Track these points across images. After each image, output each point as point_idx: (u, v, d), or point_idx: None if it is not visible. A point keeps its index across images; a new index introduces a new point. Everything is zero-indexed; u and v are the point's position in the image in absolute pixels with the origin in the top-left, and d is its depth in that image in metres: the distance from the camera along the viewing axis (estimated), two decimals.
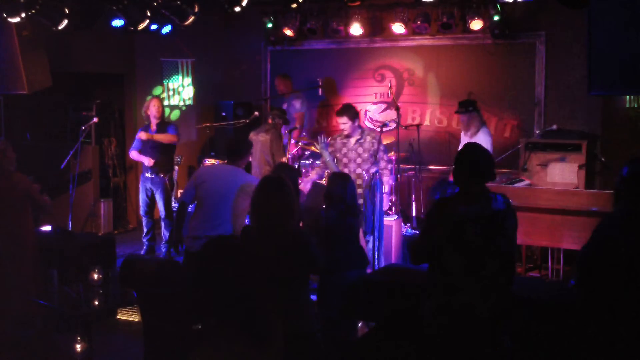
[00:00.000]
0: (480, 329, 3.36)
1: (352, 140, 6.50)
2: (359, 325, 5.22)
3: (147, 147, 7.70)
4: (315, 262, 3.61)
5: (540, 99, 8.35)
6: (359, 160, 6.45)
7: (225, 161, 5.67)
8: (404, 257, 7.10)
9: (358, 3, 8.09)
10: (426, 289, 3.54)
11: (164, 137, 7.68)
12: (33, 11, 7.19)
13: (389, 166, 6.64)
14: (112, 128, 9.44)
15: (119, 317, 5.80)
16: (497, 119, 8.54)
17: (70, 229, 7.62)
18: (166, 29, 8.03)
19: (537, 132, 8.06)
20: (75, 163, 7.84)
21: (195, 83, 9.77)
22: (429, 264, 3.53)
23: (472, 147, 3.70)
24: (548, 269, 6.72)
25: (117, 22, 7.49)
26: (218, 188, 5.25)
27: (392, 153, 7.94)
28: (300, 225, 4.69)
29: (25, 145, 8.15)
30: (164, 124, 7.84)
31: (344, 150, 6.51)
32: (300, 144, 8.06)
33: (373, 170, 6.48)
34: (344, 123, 6.45)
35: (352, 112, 6.48)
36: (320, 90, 9.01)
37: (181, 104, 9.71)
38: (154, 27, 7.84)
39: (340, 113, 6.52)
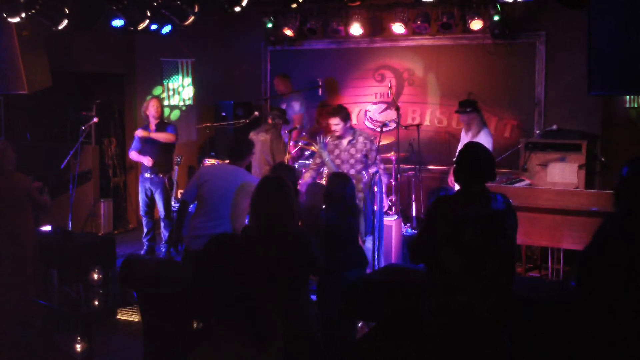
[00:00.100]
0: (480, 329, 3.36)
1: (345, 141, 6.47)
2: (359, 325, 5.22)
3: (147, 148, 7.70)
4: (315, 262, 3.62)
5: (540, 99, 8.35)
6: (352, 161, 6.43)
7: (227, 161, 5.71)
8: (404, 257, 7.11)
9: (358, 3, 8.09)
10: (426, 288, 3.54)
11: (162, 136, 7.68)
12: (33, 11, 7.19)
13: (382, 165, 6.62)
14: (112, 128, 9.44)
15: (119, 317, 5.80)
16: (497, 119, 8.54)
17: (70, 229, 7.62)
18: (166, 29, 8.03)
19: (537, 132, 8.06)
20: (75, 163, 7.84)
21: (195, 83, 9.77)
22: (428, 263, 3.53)
23: (474, 146, 3.69)
24: (548, 269, 6.72)
25: (117, 22, 7.49)
26: (220, 188, 5.29)
27: (392, 153, 7.95)
28: (300, 224, 4.69)
29: (25, 145, 8.16)
30: (163, 125, 7.84)
31: (337, 151, 6.49)
32: (300, 144, 8.06)
33: (373, 170, 6.48)
34: (336, 124, 6.42)
35: (344, 113, 6.46)
36: (320, 90, 9.01)
37: (181, 104, 9.71)
38: (154, 27, 7.84)
39: (332, 114, 6.49)
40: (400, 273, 4.69)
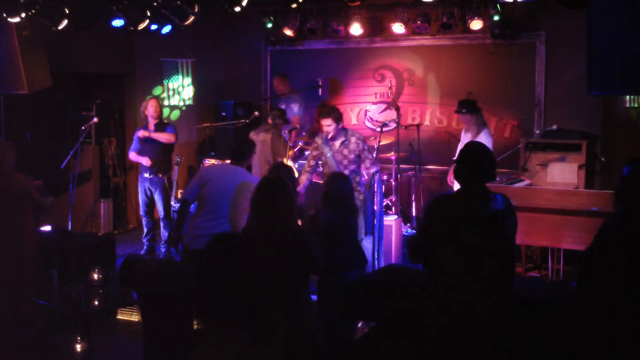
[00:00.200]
0: (480, 329, 3.36)
1: (337, 142, 6.45)
2: (359, 325, 5.22)
3: (146, 148, 7.71)
4: (315, 262, 3.62)
5: (540, 99, 8.35)
6: (345, 162, 6.41)
7: (229, 161, 5.72)
8: (404, 257, 7.11)
9: (358, 3, 8.09)
10: (425, 287, 3.54)
11: (162, 136, 7.69)
12: (33, 11, 7.19)
13: (372, 164, 6.60)
14: (112, 128, 9.44)
15: (119, 317, 5.80)
16: (497, 119, 8.54)
17: (70, 229, 7.62)
18: (166, 29, 8.03)
19: (537, 132, 8.06)
20: (75, 163, 7.84)
21: (195, 83, 9.78)
22: (428, 262, 3.52)
23: (475, 146, 3.68)
24: (548, 269, 6.72)
25: (117, 22, 7.49)
26: (221, 188, 5.31)
27: (392, 153, 7.95)
28: (299, 225, 4.69)
29: (25, 145, 8.15)
30: (162, 125, 7.84)
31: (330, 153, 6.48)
32: (299, 144, 8.06)
33: (373, 170, 6.48)
34: (328, 125, 6.38)
35: (336, 114, 6.43)
36: (320, 90, 9.01)
37: (181, 104, 9.71)
38: (154, 27, 7.83)
39: (324, 115, 6.44)
40: (400, 273, 4.69)
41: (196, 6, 7.50)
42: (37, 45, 7.88)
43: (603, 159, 7.60)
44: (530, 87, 8.38)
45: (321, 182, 6.75)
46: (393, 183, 7.89)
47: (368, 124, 9.23)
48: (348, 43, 9.29)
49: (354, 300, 4.52)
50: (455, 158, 3.68)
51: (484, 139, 6.97)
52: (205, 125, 9.11)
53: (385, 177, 7.80)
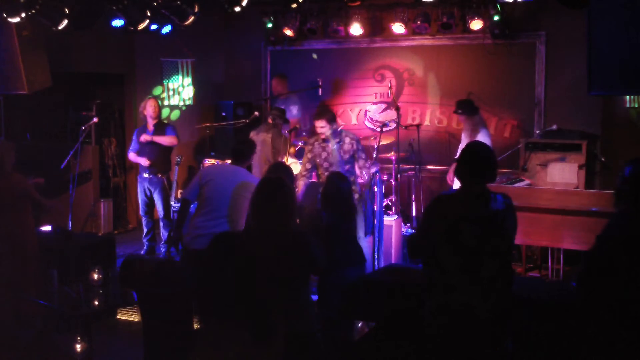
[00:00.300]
0: (480, 329, 3.36)
1: (331, 143, 6.45)
2: (359, 325, 5.22)
3: (145, 148, 7.71)
4: (315, 262, 3.61)
5: (540, 99, 8.35)
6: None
7: (229, 161, 5.73)
8: (404, 257, 7.11)
9: (358, 3, 8.09)
10: (424, 286, 3.53)
11: (164, 139, 7.69)
12: (33, 11, 7.19)
13: (367, 164, 6.60)
14: (112, 128, 9.44)
15: (119, 317, 5.80)
16: (497, 119, 8.54)
17: (70, 229, 7.62)
18: (166, 29, 8.03)
19: (537, 132, 8.06)
20: (75, 163, 7.84)
21: (195, 83, 9.78)
22: (427, 262, 3.52)
23: (476, 146, 3.67)
24: (548, 269, 6.72)
25: (117, 22, 7.49)
26: (222, 187, 5.32)
27: (392, 153, 7.95)
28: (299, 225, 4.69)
29: (25, 145, 8.16)
30: (161, 125, 7.84)
31: (324, 154, 6.46)
32: (300, 144, 8.06)
33: (373, 170, 6.48)
34: (322, 127, 6.36)
35: (330, 115, 6.43)
36: (320, 90, 9.00)
37: (181, 104, 9.71)
38: (154, 27, 7.83)
39: (318, 116, 6.42)
40: (400, 273, 4.69)
41: (196, 6, 7.50)
42: (37, 45, 7.88)
43: (603, 159, 7.60)
44: (530, 87, 8.38)
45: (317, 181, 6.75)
46: (393, 183, 7.89)
47: (368, 124, 9.23)
48: (348, 43, 9.29)
49: (354, 300, 4.52)
50: (456, 157, 3.68)
51: (482, 139, 6.97)
52: (205, 125, 9.11)
53: (385, 177, 7.80)
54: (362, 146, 6.61)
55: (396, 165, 7.92)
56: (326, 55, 9.48)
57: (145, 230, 7.92)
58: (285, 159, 7.37)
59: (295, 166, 7.04)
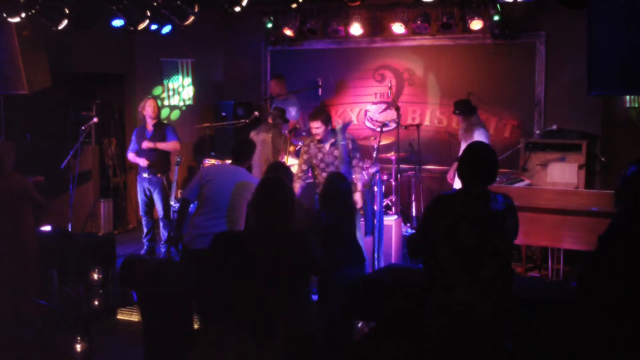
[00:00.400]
0: (480, 329, 3.36)
1: (327, 144, 6.43)
2: (359, 325, 5.22)
3: (144, 149, 7.69)
4: (316, 262, 3.61)
5: (540, 99, 8.35)
6: (336, 162, 6.40)
7: (230, 161, 5.74)
8: (404, 257, 7.11)
9: (358, 3, 8.09)
10: (424, 286, 3.53)
11: (167, 146, 7.69)
12: (33, 11, 7.19)
13: (360, 163, 6.59)
14: (112, 128, 9.44)
15: (119, 317, 5.80)
16: (497, 119, 8.54)
17: (70, 229, 7.62)
18: (166, 29, 8.03)
19: (537, 132, 8.06)
20: (75, 163, 7.84)
21: (195, 83, 9.78)
22: (427, 262, 3.52)
23: (477, 146, 3.66)
24: (548, 269, 6.72)
25: (117, 22, 7.49)
26: (222, 187, 5.33)
27: (392, 153, 7.95)
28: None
29: (25, 145, 8.15)
30: (160, 125, 7.83)
31: (320, 155, 6.45)
32: (299, 144, 8.06)
33: (373, 170, 6.48)
34: (317, 127, 6.33)
35: (325, 116, 6.41)
36: (320, 90, 9.01)
37: (181, 104, 9.71)
38: (154, 27, 7.83)
39: (313, 117, 6.39)
40: (400, 273, 4.70)
41: (196, 6, 7.50)
42: (37, 45, 7.88)
43: (603, 159, 7.60)
44: (530, 87, 8.38)
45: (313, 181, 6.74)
46: (393, 183, 7.89)
47: (368, 124, 9.23)
48: (348, 43, 9.29)
49: (354, 300, 4.53)
50: (458, 157, 3.68)
51: (477, 139, 6.96)
52: (205, 125, 9.11)
53: (385, 177, 7.80)
54: (357, 145, 6.61)
55: (396, 165, 7.92)
56: (326, 55, 9.48)
57: (145, 230, 7.91)
58: (285, 159, 7.37)
59: (296, 166, 7.03)
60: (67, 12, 7.30)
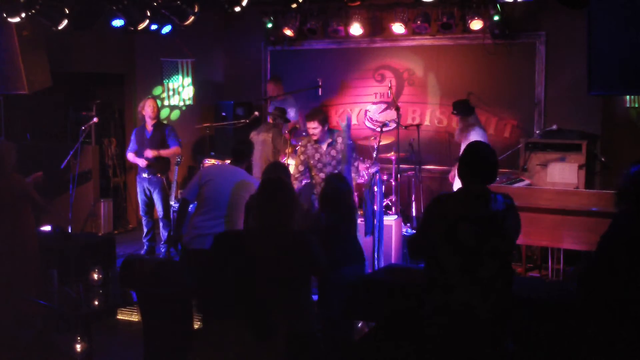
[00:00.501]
0: (480, 329, 3.36)
1: (324, 145, 6.43)
2: (359, 325, 5.22)
3: (144, 148, 7.70)
4: (316, 261, 3.61)
5: (540, 99, 8.35)
6: (333, 162, 6.40)
7: (228, 161, 5.74)
8: (404, 257, 7.10)
9: (358, 3, 8.09)
10: (424, 286, 3.53)
11: (169, 152, 7.70)
12: (33, 11, 7.19)
13: (356, 163, 6.58)
14: (112, 128, 9.44)
15: (119, 317, 5.80)
16: (497, 119, 8.54)
17: (70, 230, 7.61)
18: (166, 29, 8.03)
19: (537, 132, 8.06)
20: (75, 163, 7.83)
21: (195, 83, 9.77)
22: (427, 260, 3.52)
23: (477, 146, 3.66)
24: (548, 269, 6.72)
25: (117, 22, 7.49)
26: (221, 187, 5.34)
27: (392, 153, 7.95)
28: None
29: (25, 145, 8.15)
30: (160, 126, 7.82)
31: (317, 156, 6.45)
32: (299, 144, 8.05)
33: (373, 170, 6.48)
34: (314, 128, 6.34)
35: (322, 117, 6.41)
36: (320, 90, 9.00)
37: (181, 104, 9.71)
38: (154, 27, 7.84)
39: (310, 118, 6.40)
40: (400, 273, 4.69)
41: (196, 6, 7.50)
42: (37, 45, 7.88)
43: (603, 159, 7.60)
44: (530, 87, 8.38)
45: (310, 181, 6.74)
46: (393, 183, 7.89)
47: (368, 124, 9.23)
48: (348, 43, 9.29)
49: (354, 300, 4.52)
50: (459, 157, 3.68)
51: (473, 139, 6.95)
52: (205, 125, 9.11)
53: (385, 177, 7.79)
54: (354, 145, 6.61)
55: (396, 165, 7.92)
56: (326, 55, 9.48)
57: (145, 230, 7.92)
58: (285, 159, 7.37)
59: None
60: (67, 12, 7.30)
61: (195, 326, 4.56)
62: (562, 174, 7.40)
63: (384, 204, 7.29)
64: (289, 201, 3.64)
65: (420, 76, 9.01)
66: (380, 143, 7.45)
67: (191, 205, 5.69)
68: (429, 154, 8.69)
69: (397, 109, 8.00)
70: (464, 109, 7.26)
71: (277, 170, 5.19)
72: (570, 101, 8.07)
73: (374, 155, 7.29)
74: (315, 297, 4.22)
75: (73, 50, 8.65)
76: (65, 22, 7.35)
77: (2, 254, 5.39)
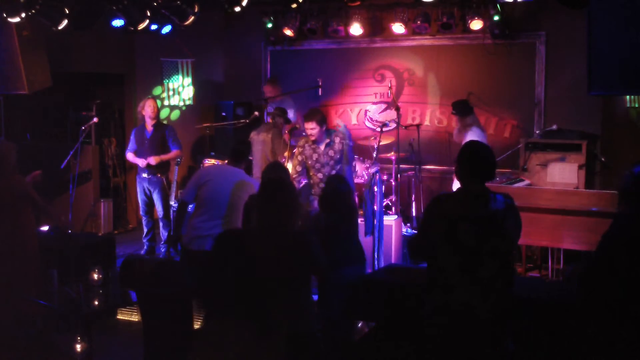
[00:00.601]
0: (480, 329, 3.36)
1: (322, 145, 6.42)
2: (359, 325, 5.22)
3: (144, 149, 7.70)
4: (316, 262, 3.61)
5: (540, 99, 8.35)
6: (331, 162, 6.39)
7: (227, 162, 5.74)
8: (404, 257, 7.11)
9: (358, 3, 8.09)
10: (424, 286, 3.54)
11: (171, 156, 7.72)
12: (33, 11, 7.19)
13: (353, 163, 6.57)
14: (112, 128, 9.44)
15: (119, 317, 5.80)
16: (497, 119, 8.54)
17: (69, 231, 7.60)
18: (166, 29, 8.03)
19: (537, 132, 8.06)
20: (75, 163, 7.83)
21: (195, 83, 9.78)
22: (428, 261, 3.53)
23: (475, 145, 3.66)
24: (548, 269, 6.72)
25: (117, 22, 7.49)
26: (220, 188, 5.33)
27: (392, 153, 7.95)
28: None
29: (25, 145, 8.15)
30: (160, 126, 7.82)
31: (315, 156, 6.43)
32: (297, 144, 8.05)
33: (373, 170, 6.48)
34: (312, 128, 6.31)
35: (320, 117, 6.40)
36: (320, 90, 9.00)
37: (181, 104, 9.71)
38: (154, 27, 7.83)
39: (308, 118, 6.37)
40: (400, 273, 4.70)
41: (196, 6, 7.50)
42: (37, 45, 7.88)
43: (603, 159, 7.60)
44: (530, 87, 8.38)
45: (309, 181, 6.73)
46: (393, 183, 7.89)
47: (368, 124, 9.23)
48: (348, 43, 9.29)
49: (354, 300, 4.53)
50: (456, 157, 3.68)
51: (470, 139, 6.94)
52: (205, 125, 9.11)
53: (385, 177, 7.80)
54: (352, 145, 6.62)
55: (396, 165, 7.92)
56: (326, 55, 9.48)
57: (145, 230, 7.91)
58: (286, 159, 7.37)
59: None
60: (67, 12, 7.30)
61: (195, 326, 4.56)
62: (562, 174, 7.40)
63: (384, 204, 7.30)
64: (289, 201, 3.64)
65: (420, 76, 9.01)
66: (380, 143, 7.44)
67: (191, 206, 5.68)
68: (429, 154, 8.70)
69: (397, 109, 8.00)
70: (462, 109, 7.26)
71: (277, 170, 5.18)
72: (570, 101, 8.07)
73: (374, 155, 7.29)
74: (315, 297, 4.22)
75: (73, 50, 8.65)
76: (65, 22, 7.35)
77: (2, 254, 5.39)
